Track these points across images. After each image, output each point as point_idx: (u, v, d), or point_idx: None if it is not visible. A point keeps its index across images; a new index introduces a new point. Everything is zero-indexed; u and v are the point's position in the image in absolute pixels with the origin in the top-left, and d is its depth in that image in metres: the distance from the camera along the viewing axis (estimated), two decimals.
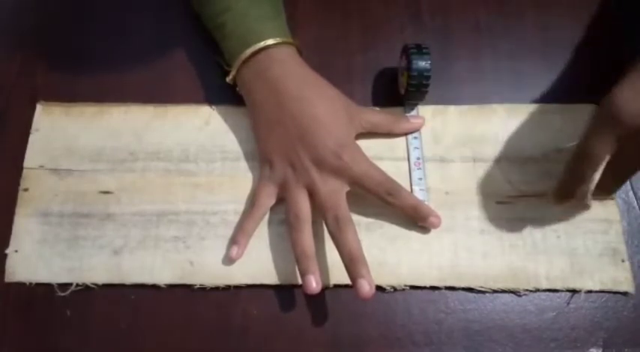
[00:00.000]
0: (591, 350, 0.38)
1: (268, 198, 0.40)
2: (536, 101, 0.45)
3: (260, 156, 0.42)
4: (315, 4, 0.49)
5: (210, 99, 0.45)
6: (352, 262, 0.36)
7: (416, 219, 0.40)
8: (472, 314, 0.39)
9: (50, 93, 0.45)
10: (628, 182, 0.43)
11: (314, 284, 0.36)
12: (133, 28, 0.48)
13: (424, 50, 0.41)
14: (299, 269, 0.38)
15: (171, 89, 0.46)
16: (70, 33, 0.48)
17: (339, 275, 0.38)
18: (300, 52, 0.43)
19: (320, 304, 0.39)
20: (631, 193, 0.43)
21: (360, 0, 0.49)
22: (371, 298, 0.35)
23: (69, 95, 0.45)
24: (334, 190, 0.39)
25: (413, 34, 0.48)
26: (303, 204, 0.39)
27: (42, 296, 0.39)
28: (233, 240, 0.40)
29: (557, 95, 0.45)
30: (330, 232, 0.38)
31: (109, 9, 0.49)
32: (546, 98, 0.45)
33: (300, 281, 0.38)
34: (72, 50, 0.47)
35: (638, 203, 0.42)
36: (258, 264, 0.40)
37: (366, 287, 0.35)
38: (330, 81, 0.42)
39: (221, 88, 0.44)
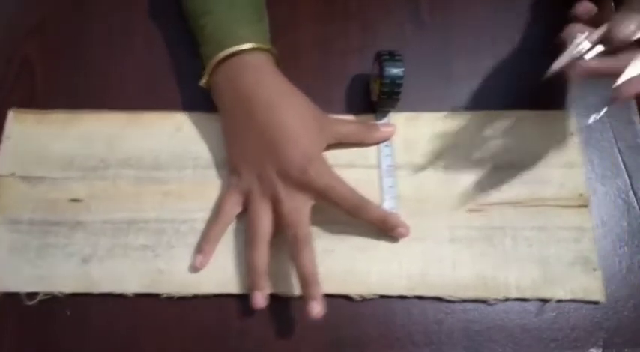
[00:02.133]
0: (591, 350, 0.38)
1: (234, 207, 0.40)
2: (536, 100, 0.45)
3: (229, 164, 0.42)
4: (315, 3, 0.49)
5: (186, 106, 0.45)
6: (306, 283, 0.36)
7: (384, 230, 0.40)
8: (472, 314, 0.39)
9: (22, 100, 0.45)
10: (628, 182, 0.43)
11: (261, 300, 0.37)
12: (103, 34, 0.48)
13: (397, 57, 0.40)
14: (248, 283, 0.38)
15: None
16: (40, 41, 0.48)
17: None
18: (277, 60, 0.42)
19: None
20: (631, 193, 0.42)
21: None
22: (320, 317, 0.36)
23: (42, 102, 0.45)
24: (297, 206, 0.38)
25: (413, 33, 0.48)
26: (263, 218, 0.39)
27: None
28: (198, 249, 0.40)
29: (557, 95, 0.44)
30: (289, 249, 0.38)
31: (80, 17, 0.49)
32: (547, 98, 0.44)
33: (272, 291, 0.38)
34: (44, 57, 0.47)
35: (638, 203, 0.42)
36: (225, 273, 0.40)
37: (315, 309, 0.36)
38: (329, 80, 0.42)
39: (197, 93, 0.43)
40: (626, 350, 0.38)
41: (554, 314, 0.39)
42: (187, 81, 0.45)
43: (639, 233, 0.41)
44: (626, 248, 0.41)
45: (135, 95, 0.45)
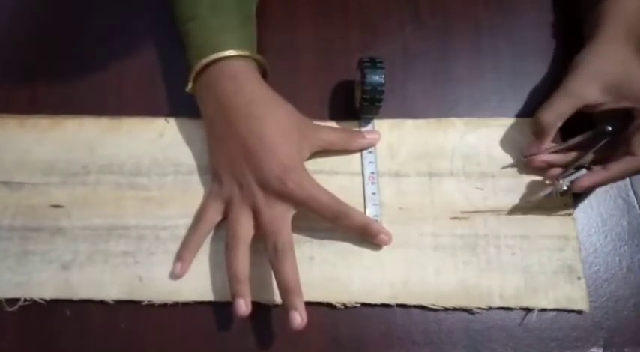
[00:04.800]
0: (592, 349, 0.38)
1: (215, 214, 0.40)
2: (537, 100, 0.44)
3: (211, 171, 0.41)
4: (315, 3, 0.49)
5: (171, 111, 0.45)
6: (287, 293, 0.36)
7: (366, 237, 0.39)
8: (472, 313, 0.39)
9: (5, 105, 0.45)
10: (628, 181, 0.43)
11: (243, 308, 0.36)
12: (87, 40, 0.48)
13: (378, 64, 0.40)
14: (230, 291, 0.37)
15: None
16: (23, 45, 0.48)
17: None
18: (261, 66, 0.42)
19: (320, 304, 0.39)
20: (631, 193, 0.42)
21: None
22: (302, 328, 0.35)
23: (25, 107, 0.45)
24: (277, 216, 0.38)
25: (413, 33, 0.48)
26: (243, 225, 0.38)
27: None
28: (178, 256, 0.39)
29: None
30: (269, 259, 0.37)
31: (62, 22, 0.48)
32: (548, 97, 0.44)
33: (254, 298, 0.37)
34: (27, 61, 0.47)
35: (638, 202, 0.42)
36: (206, 281, 0.39)
37: (297, 320, 0.35)
38: (329, 80, 0.42)
39: (181, 98, 0.43)
40: (626, 349, 0.38)
41: (554, 313, 0.39)
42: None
43: (639, 232, 0.41)
44: (626, 247, 0.41)
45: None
